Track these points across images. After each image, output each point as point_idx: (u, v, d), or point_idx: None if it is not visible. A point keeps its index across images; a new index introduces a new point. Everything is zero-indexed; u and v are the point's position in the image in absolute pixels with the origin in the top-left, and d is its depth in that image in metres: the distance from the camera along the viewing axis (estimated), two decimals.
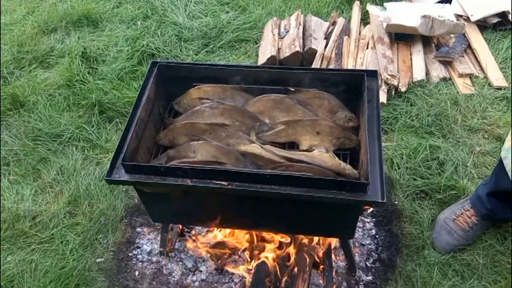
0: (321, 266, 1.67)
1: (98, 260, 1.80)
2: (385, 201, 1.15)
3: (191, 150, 1.42)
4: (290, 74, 1.51)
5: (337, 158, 1.34)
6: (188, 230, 1.86)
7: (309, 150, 1.40)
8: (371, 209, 1.91)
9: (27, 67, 2.66)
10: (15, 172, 2.13)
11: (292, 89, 1.50)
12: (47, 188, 2.06)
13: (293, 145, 1.46)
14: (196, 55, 2.66)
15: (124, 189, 2.02)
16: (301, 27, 2.63)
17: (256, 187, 1.23)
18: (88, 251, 1.82)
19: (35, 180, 2.10)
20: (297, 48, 2.47)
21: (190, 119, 1.49)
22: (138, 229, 1.91)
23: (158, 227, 1.90)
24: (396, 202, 1.92)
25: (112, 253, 1.82)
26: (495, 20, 2.65)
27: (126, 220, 1.94)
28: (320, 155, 1.34)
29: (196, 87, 1.55)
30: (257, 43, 2.73)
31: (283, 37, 2.62)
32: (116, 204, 1.98)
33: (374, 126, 1.34)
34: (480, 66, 2.47)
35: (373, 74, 1.48)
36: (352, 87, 1.48)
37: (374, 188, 1.19)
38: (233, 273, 1.73)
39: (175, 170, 1.27)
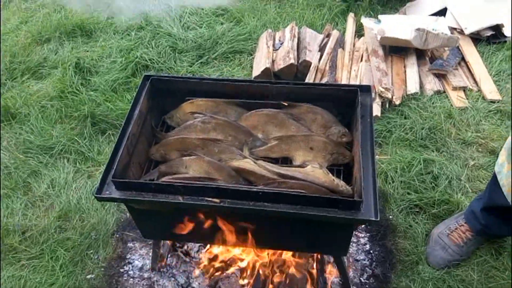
0: (315, 283, 1.65)
1: (88, 276, 1.77)
2: (378, 219, 1.14)
3: (183, 166, 1.41)
4: (284, 89, 1.50)
5: (330, 174, 1.33)
6: (180, 245, 1.83)
7: (302, 165, 1.38)
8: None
9: (19, 78, 2.65)
10: (5, 186, 2.09)
11: (286, 104, 1.49)
12: (37, 202, 2.03)
13: (286, 161, 1.44)
14: (191, 66, 2.65)
15: (115, 203, 2.00)
16: (295, 39, 2.63)
17: (248, 205, 1.21)
18: (78, 267, 1.79)
19: (26, 193, 2.07)
20: (292, 61, 2.46)
21: (183, 134, 1.47)
22: (130, 244, 1.89)
23: (150, 242, 1.87)
24: (390, 217, 1.91)
25: (103, 269, 1.79)
26: (489, 33, 2.67)
27: (117, 235, 1.91)
28: (314, 171, 1.33)
29: (189, 101, 1.54)
30: (251, 55, 2.73)
31: (277, 49, 2.62)
32: (107, 219, 1.95)
33: (368, 142, 1.33)
34: (474, 79, 2.48)
35: (367, 89, 1.47)
36: (346, 102, 1.47)
37: (367, 205, 1.17)
38: None
39: (166, 187, 1.25)
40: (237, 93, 1.53)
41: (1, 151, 2.24)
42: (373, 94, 2.19)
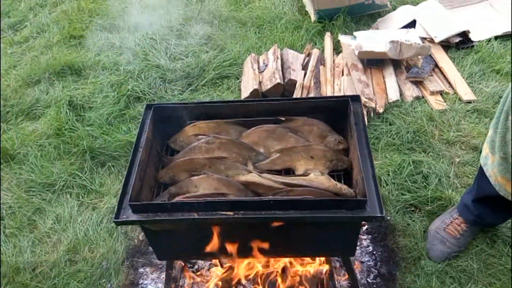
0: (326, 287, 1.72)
1: None
2: (384, 215, 1.23)
3: (193, 185, 1.48)
4: (280, 105, 1.60)
5: (332, 180, 1.42)
6: (191, 265, 1.88)
7: (305, 174, 1.47)
8: (366, 226, 1.98)
9: (14, 120, 2.69)
10: (10, 225, 2.11)
11: (283, 119, 1.59)
12: (44, 238, 2.05)
13: (289, 171, 1.53)
14: (181, 94, 2.75)
15: (123, 231, 2.04)
16: (279, 61, 2.77)
17: (261, 214, 1.29)
18: None
19: (32, 231, 2.09)
20: (278, 80, 2.59)
21: (189, 155, 1.55)
22: (141, 270, 1.92)
23: (160, 266, 1.91)
24: (388, 218, 2.01)
25: None
26: (457, 39, 2.86)
27: (127, 262, 1.95)
28: (317, 178, 1.42)
29: (191, 124, 1.63)
30: (238, 79, 2.85)
31: (263, 71, 2.74)
32: (116, 247, 1.99)
33: (364, 146, 1.43)
34: (449, 82, 2.65)
35: (356, 98, 1.59)
36: (338, 112, 1.58)
37: (372, 204, 1.27)
38: None
39: (181, 205, 1.32)
40: (236, 113, 1.63)
41: (3, 192, 2.26)
42: (362, 105, 2.31)
